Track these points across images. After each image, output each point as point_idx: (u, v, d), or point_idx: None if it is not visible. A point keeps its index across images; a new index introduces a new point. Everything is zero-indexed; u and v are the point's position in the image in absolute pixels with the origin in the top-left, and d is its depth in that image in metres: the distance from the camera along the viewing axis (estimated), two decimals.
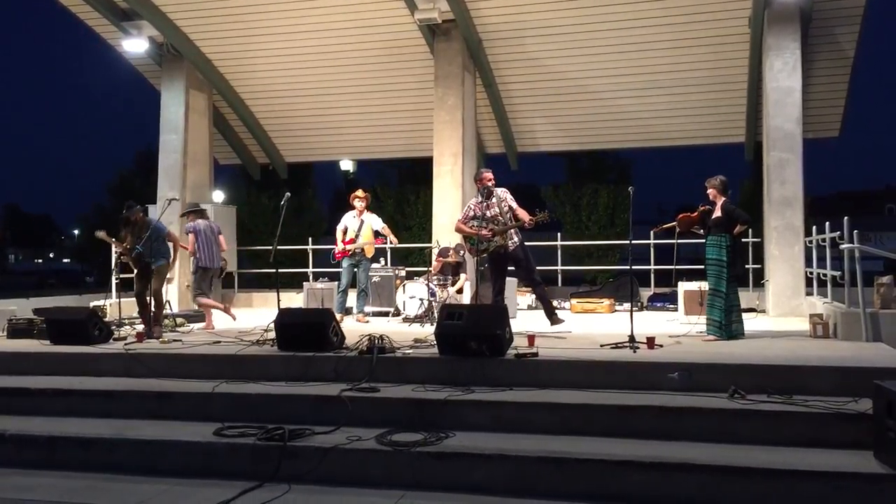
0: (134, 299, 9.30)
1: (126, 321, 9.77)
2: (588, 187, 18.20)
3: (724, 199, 7.81)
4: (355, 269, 10.49)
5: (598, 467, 4.82)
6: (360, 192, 10.68)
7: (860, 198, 52.09)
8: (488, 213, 8.41)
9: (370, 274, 11.36)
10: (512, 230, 8.39)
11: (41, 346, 7.94)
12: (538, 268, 9.00)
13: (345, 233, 10.50)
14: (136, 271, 9.04)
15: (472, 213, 8.52)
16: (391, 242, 10.85)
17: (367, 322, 10.34)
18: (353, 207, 10.59)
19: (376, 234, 10.58)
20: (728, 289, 7.66)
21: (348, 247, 10.40)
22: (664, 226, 8.79)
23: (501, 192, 8.50)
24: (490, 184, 8.46)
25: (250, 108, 15.39)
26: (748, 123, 13.87)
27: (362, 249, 10.41)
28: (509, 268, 8.71)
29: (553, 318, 8.47)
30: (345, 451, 5.16)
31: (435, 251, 12.10)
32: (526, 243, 8.72)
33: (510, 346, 6.66)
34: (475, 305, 8.49)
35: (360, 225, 10.47)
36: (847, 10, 11.85)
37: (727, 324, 7.66)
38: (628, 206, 8.19)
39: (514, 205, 8.43)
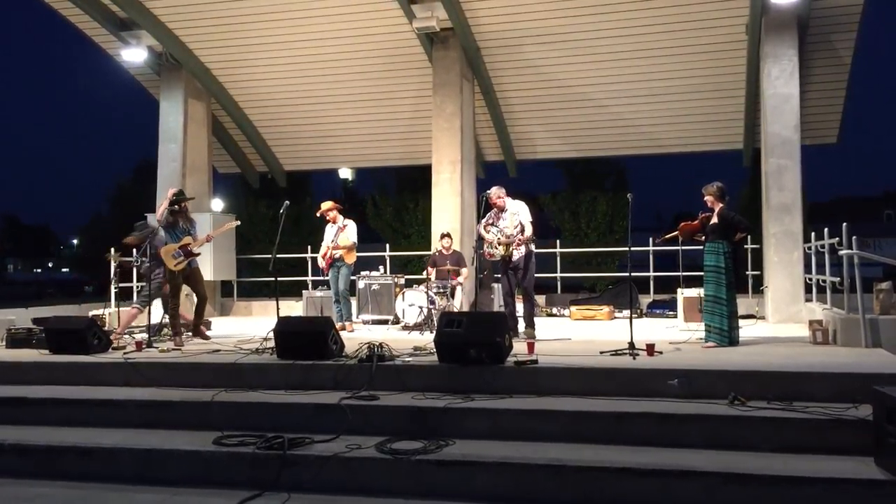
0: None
1: (126, 331, 9.73)
2: (586, 194, 18.19)
3: (721, 205, 7.81)
4: (338, 277, 10.47)
5: (598, 474, 4.81)
6: (323, 206, 10.66)
7: (858, 204, 52.17)
8: (499, 224, 8.77)
9: (369, 282, 11.35)
10: (522, 242, 8.63)
11: (40, 356, 7.92)
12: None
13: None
14: (177, 277, 8.85)
15: (490, 220, 8.89)
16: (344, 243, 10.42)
17: (353, 331, 10.23)
18: (327, 221, 10.66)
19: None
20: (728, 295, 7.66)
21: (329, 252, 10.41)
22: (666, 235, 8.80)
23: (517, 206, 8.77)
24: (499, 202, 8.76)
25: (249, 117, 15.41)
26: (746, 130, 13.90)
27: (342, 255, 10.37)
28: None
29: (528, 329, 8.63)
30: (345, 460, 5.14)
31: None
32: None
33: (510, 353, 6.66)
34: (474, 313, 8.49)
35: (336, 231, 10.48)
36: (844, 17, 11.88)
37: (728, 330, 7.65)
38: (627, 213, 8.21)
39: (527, 221, 8.67)
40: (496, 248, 8.65)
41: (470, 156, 13.34)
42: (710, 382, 5.87)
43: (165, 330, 9.65)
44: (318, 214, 10.97)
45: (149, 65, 13.87)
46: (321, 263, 10.56)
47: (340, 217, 10.60)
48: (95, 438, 5.81)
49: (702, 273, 8.03)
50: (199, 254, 8.88)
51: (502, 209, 8.77)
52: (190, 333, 9.26)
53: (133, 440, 5.72)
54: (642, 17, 12.25)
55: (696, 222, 8.04)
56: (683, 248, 9.88)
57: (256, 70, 14.24)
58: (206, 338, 8.90)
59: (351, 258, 10.44)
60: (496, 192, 8.79)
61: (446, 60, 12.89)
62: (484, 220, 8.94)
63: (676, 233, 8.34)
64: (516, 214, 8.67)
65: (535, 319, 8.95)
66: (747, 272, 12.65)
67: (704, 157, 15.67)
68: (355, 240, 10.51)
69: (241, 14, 12.89)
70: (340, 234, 10.41)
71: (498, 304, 11.09)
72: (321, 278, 13.66)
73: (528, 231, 8.62)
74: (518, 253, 8.63)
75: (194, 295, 9.34)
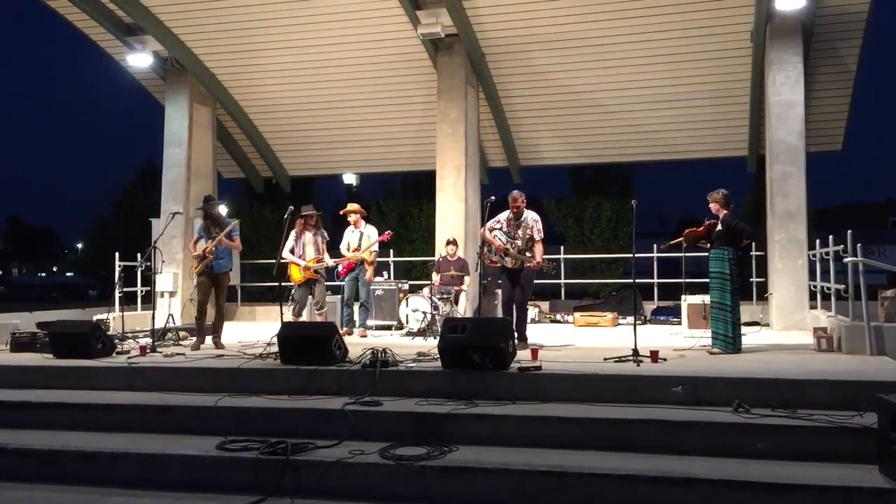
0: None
1: (129, 334, 9.75)
2: (591, 200, 18.19)
3: (725, 212, 7.81)
4: (357, 283, 10.49)
5: (602, 482, 4.79)
6: (351, 207, 10.72)
7: (863, 210, 52.09)
8: (511, 232, 8.47)
9: (373, 287, 11.35)
10: (535, 267, 8.34)
11: (44, 360, 7.93)
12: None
13: (348, 248, 10.54)
14: (201, 279, 8.88)
15: (498, 225, 8.55)
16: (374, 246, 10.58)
17: (365, 336, 10.28)
18: (348, 223, 10.66)
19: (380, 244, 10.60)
20: (732, 301, 7.65)
21: (349, 255, 10.40)
22: (671, 242, 8.79)
23: (531, 219, 8.49)
24: (518, 206, 8.46)
25: (254, 122, 15.45)
26: (751, 137, 13.88)
27: (363, 261, 10.39)
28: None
29: (519, 342, 8.26)
30: (347, 465, 5.14)
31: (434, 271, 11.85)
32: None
33: (513, 359, 6.66)
34: (478, 319, 8.47)
35: (359, 237, 10.49)
36: (849, 24, 11.87)
37: (734, 337, 7.64)
38: (631, 219, 8.19)
39: (538, 236, 8.41)
40: (503, 257, 8.39)
41: (474, 161, 13.34)
42: (714, 389, 5.86)
43: (169, 334, 9.67)
44: (340, 213, 10.94)
45: (154, 70, 13.93)
46: (351, 256, 10.46)
47: (363, 222, 10.64)
48: (98, 442, 5.81)
49: (705, 280, 8.02)
50: (209, 257, 8.79)
51: (520, 215, 8.45)
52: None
53: (136, 444, 5.72)
54: (647, 24, 12.25)
55: (701, 229, 8.03)
56: (687, 254, 9.88)
57: (261, 75, 14.27)
58: (221, 346, 8.82)
59: (373, 263, 10.55)
60: (518, 196, 8.45)
61: (451, 66, 12.91)
62: (489, 224, 8.60)
63: (681, 239, 8.34)
64: (529, 228, 8.42)
65: (537, 327, 8.77)
66: (751, 279, 12.63)
67: (709, 163, 15.66)
68: (377, 248, 10.60)
69: (246, 19, 12.92)
70: (363, 240, 10.46)
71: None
72: (325, 283, 13.66)
73: (538, 250, 8.31)
74: (527, 265, 8.40)
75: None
